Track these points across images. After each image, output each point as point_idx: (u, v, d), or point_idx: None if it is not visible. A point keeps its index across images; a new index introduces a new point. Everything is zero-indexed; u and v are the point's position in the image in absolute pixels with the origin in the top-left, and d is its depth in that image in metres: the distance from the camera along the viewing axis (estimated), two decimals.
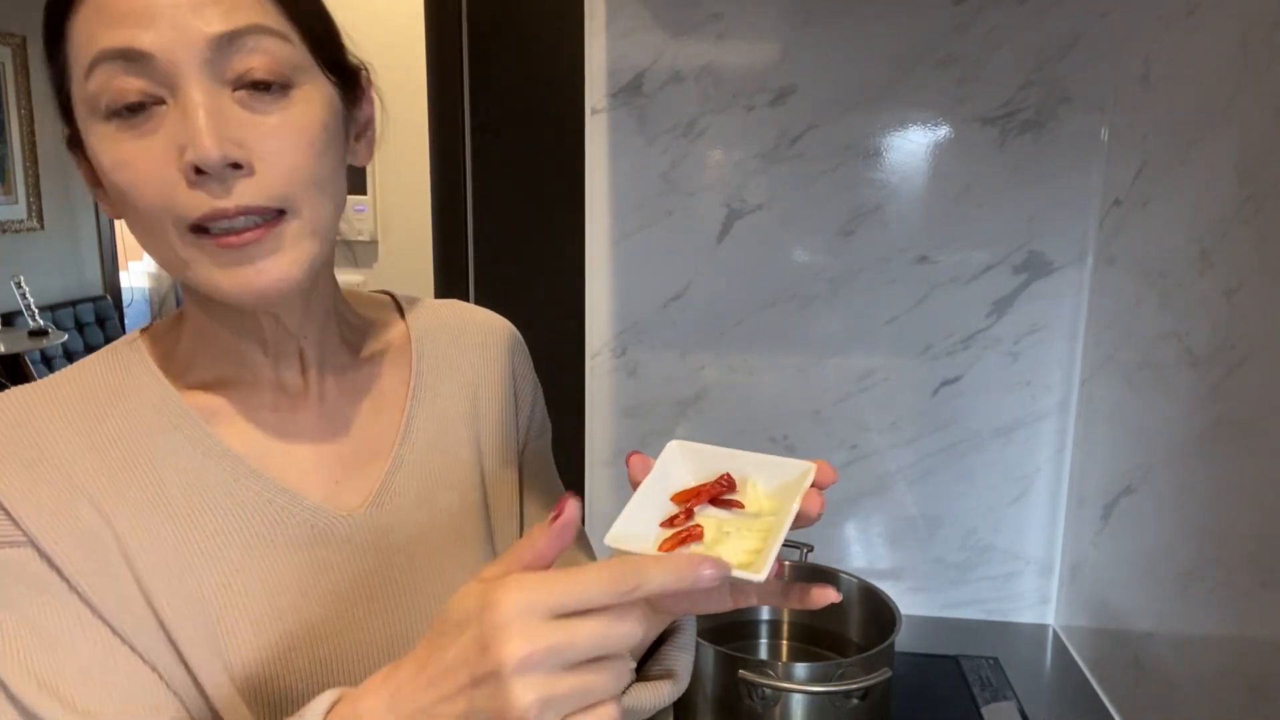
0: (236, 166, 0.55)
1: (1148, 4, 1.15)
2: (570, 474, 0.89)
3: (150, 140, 0.55)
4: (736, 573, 0.56)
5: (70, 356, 4.65)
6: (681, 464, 0.65)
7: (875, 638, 1.15)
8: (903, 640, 1.11)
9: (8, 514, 0.58)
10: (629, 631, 0.46)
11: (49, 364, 4.44)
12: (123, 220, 0.60)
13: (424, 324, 0.78)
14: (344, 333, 0.72)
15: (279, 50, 0.58)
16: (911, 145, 1.29)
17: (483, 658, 0.45)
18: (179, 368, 0.67)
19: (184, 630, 0.60)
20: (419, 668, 0.48)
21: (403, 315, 0.78)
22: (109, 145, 0.56)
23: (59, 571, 0.58)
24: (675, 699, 0.70)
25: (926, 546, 1.41)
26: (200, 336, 0.67)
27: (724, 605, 0.66)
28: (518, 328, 0.85)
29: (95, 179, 0.61)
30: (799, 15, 1.27)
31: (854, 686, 1.03)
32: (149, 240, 0.59)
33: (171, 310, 0.71)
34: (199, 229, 0.56)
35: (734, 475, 0.65)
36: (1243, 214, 0.91)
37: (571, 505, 0.50)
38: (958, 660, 1.29)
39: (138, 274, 5.80)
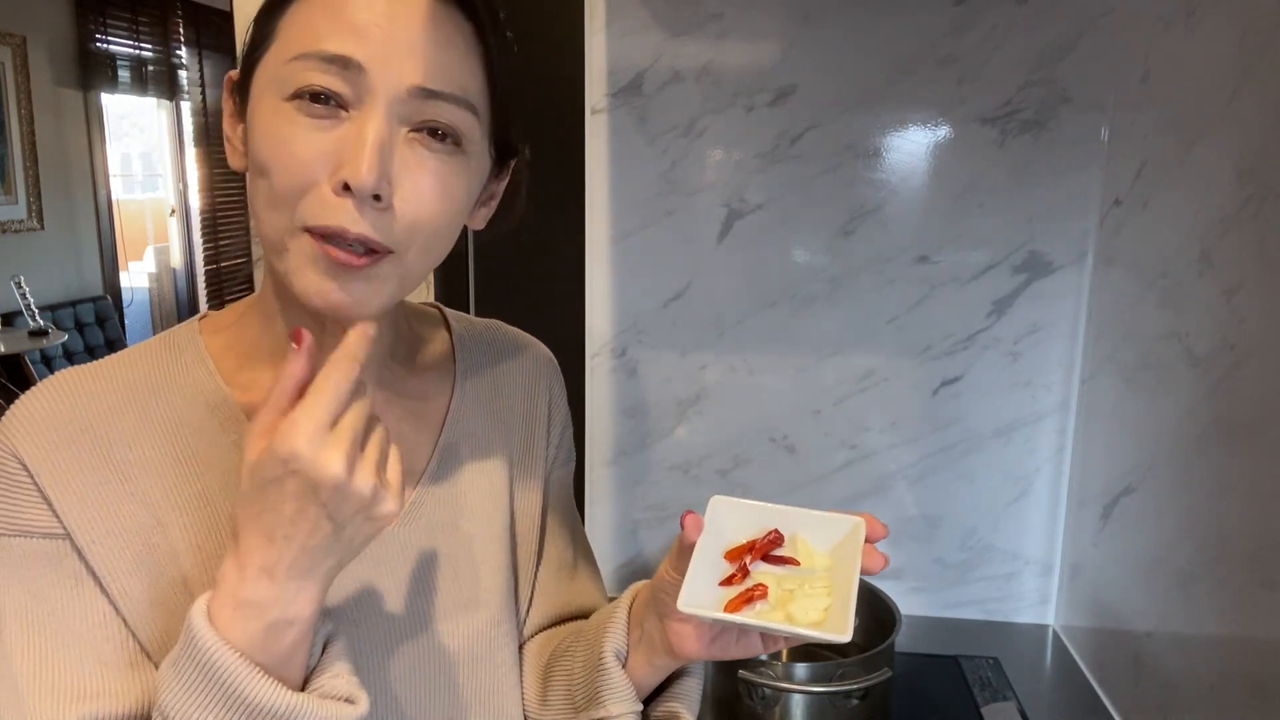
0: (377, 198, 0.57)
1: (1148, 4, 1.15)
2: None
3: (317, 135, 0.57)
4: (823, 635, 0.59)
5: (70, 356, 4.65)
6: (727, 520, 0.67)
7: (875, 638, 1.15)
8: (903, 640, 1.11)
9: (50, 506, 0.59)
10: (367, 400, 0.56)
11: (49, 364, 4.44)
12: (238, 171, 0.63)
13: (469, 343, 0.79)
14: (397, 345, 0.73)
15: (465, 122, 0.60)
16: (911, 145, 1.29)
17: (319, 489, 0.52)
18: (236, 361, 0.67)
19: None
20: (267, 537, 0.53)
21: (449, 331, 0.79)
22: (278, 120, 0.58)
23: (92, 570, 0.59)
24: None
25: (926, 546, 1.41)
26: (267, 330, 0.67)
27: (754, 651, 0.67)
28: (518, 328, 0.85)
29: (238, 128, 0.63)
30: (799, 15, 1.27)
31: (854, 686, 1.03)
32: (264, 209, 0.59)
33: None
34: (310, 229, 0.58)
35: (782, 531, 0.66)
36: (1243, 214, 0.91)
37: (306, 334, 0.56)
38: (958, 660, 1.29)
39: (138, 274, 5.79)
